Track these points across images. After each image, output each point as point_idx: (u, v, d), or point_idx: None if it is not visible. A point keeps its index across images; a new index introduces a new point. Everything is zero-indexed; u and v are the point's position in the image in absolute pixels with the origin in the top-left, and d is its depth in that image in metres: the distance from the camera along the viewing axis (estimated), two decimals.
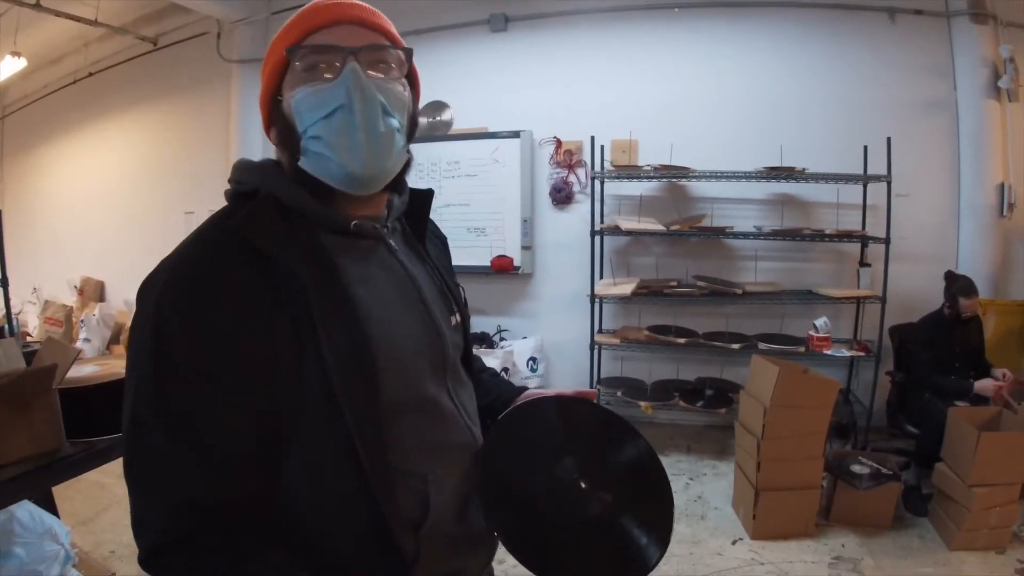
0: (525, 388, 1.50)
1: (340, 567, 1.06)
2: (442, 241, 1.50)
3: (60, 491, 3.23)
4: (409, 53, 1.19)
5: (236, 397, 0.97)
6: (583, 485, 1.21)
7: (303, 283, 1.01)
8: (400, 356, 1.11)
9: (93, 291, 8.30)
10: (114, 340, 7.65)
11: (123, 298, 7.99)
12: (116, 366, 2.44)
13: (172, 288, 0.99)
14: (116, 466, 2.29)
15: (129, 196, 8.17)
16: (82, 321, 7.58)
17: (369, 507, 1.03)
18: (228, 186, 1.19)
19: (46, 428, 2.03)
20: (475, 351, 1.60)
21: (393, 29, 1.18)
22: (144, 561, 0.97)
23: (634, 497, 1.25)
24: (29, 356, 2.25)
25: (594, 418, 1.31)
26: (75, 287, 8.40)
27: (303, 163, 1.09)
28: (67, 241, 8.68)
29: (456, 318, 1.33)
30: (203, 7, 6.71)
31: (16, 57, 7.21)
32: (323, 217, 1.12)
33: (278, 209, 1.09)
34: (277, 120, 1.15)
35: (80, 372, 2.33)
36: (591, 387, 5.63)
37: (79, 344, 7.26)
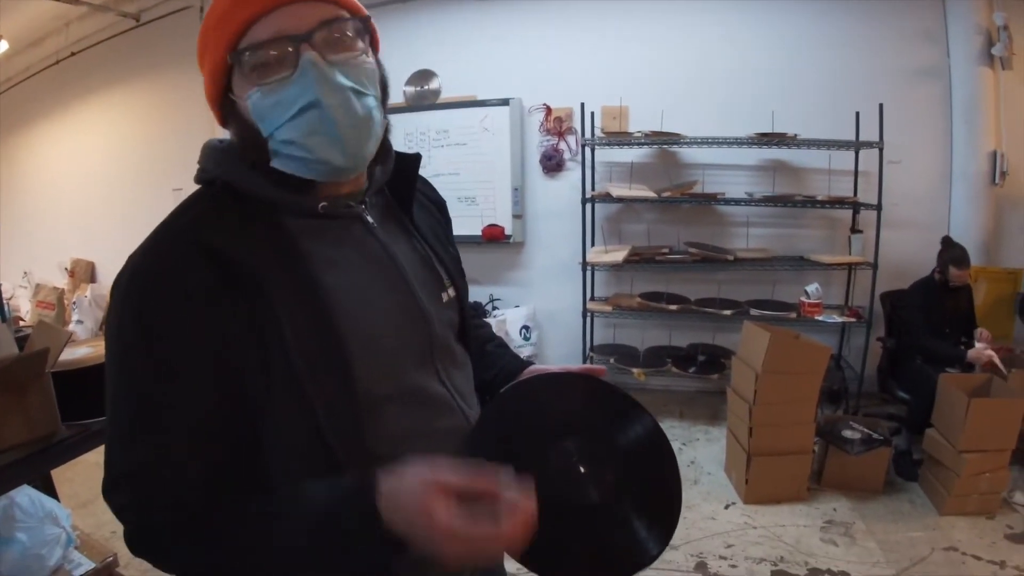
0: (531, 363, 1.46)
1: None
2: (438, 206, 1.43)
3: (59, 474, 3.23)
4: (366, 21, 1.08)
5: (205, 394, 0.96)
6: (582, 469, 1.14)
7: (263, 276, 0.98)
8: (376, 344, 1.06)
9: (84, 272, 8.27)
10: None
11: (114, 278, 7.96)
12: None
13: (133, 293, 0.99)
14: None
15: (116, 175, 8.09)
16: (74, 303, 7.59)
17: None
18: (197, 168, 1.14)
19: (41, 412, 2.04)
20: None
21: None
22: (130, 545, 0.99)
23: (638, 482, 1.17)
24: (21, 341, 2.25)
25: (595, 396, 1.21)
26: (66, 269, 8.38)
27: (276, 164, 1.04)
28: (56, 223, 8.61)
29: (448, 293, 1.27)
30: None
31: None
32: (288, 203, 1.06)
33: (237, 199, 1.06)
34: (234, 119, 1.07)
35: (73, 354, 2.32)
36: (584, 354, 5.68)
37: (72, 326, 7.30)
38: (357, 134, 1.02)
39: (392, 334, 1.10)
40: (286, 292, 0.98)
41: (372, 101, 1.05)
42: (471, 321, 1.39)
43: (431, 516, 0.83)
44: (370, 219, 1.16)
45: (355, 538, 0.90)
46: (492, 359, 1.46)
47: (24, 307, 8.35)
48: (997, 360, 4.30)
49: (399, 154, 1.23)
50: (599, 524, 1.13)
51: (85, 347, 2.46)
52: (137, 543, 0.98)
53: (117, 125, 8.08)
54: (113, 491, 0.97)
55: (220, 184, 1.07)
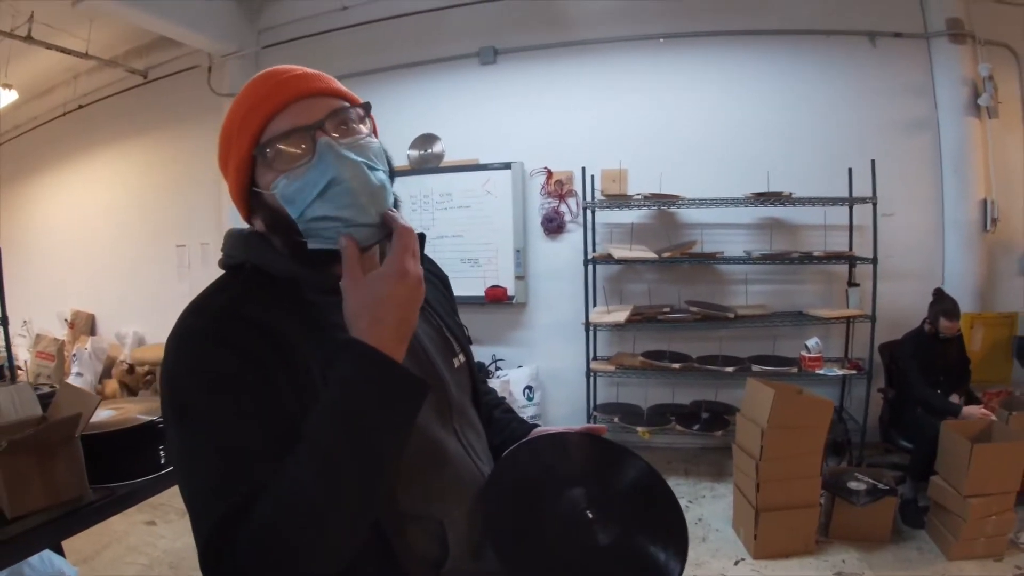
0: (537, 425, 1.53)
1: None
2: (442, 281, 1.53)
3: None
4: (367, 108, 1.20)
5: (273, 425, 1.00)
6: (590, 515, 1.24)
7: (297, 344, 1.06)
8: None
9: (84, 324, 8.30)
10: (106, 374, 7.64)
11: (114, 331, 8.01)
12: (132, 411, 2.47)
13: (184, 350, 1.05)
14: None
15: (120, 229, 8.17)
16: (74, 355, 7.56)
17: (384, 551, 1.08)
18: (221, 254, 1.23)
19: (70, 476, 2.06)
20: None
21: (342, 86, 1.20)
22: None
23: (644, 517, 1.29)
24: (43, 399, 2.26)
25: (590, 449, 1.36)
26: (66, 320, 8.40)
27: (313, 244, 1.10)
28: (57, 274, 8.66)
29: (459, 359, 1.36)
30: (193, 40, 6.76)
31: (7, 89, 7.19)
32: (311, 280, 1.15)
33: (266, 279, 1.14)
34: (260, 210, 1.17)
35: (97, 417, 2.34)
36: (588, 413, 5.70)
37: (71, 378, 7.28)
38: (376, 201, 1.10)
39: None
40: (317, 357, 1.06)
41: (383, 175, 1.14)
42: (481, 387, 1.48)
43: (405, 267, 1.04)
44: None
45: (376, 388, 0.99)
46: (500, 424, 1.54)
47: (23, 356, 8.35)
48: (993, 416, 4.37)
49: None
50: (619, 561, 1.23)
51: (107, 409, 2.49)
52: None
53: (121, 179, 8.18)
54: (224, 533, 0.93)
55: (250, 269, 1.16)
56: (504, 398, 1.70)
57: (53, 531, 2.07)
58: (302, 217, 1.09)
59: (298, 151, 1.09)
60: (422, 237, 1.28)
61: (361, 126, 1.16)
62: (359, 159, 1.09)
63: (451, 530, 1.18)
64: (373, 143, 1.16)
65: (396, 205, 1.20)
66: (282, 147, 1.10)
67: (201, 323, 1.08)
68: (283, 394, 1.02)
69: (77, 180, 8.54)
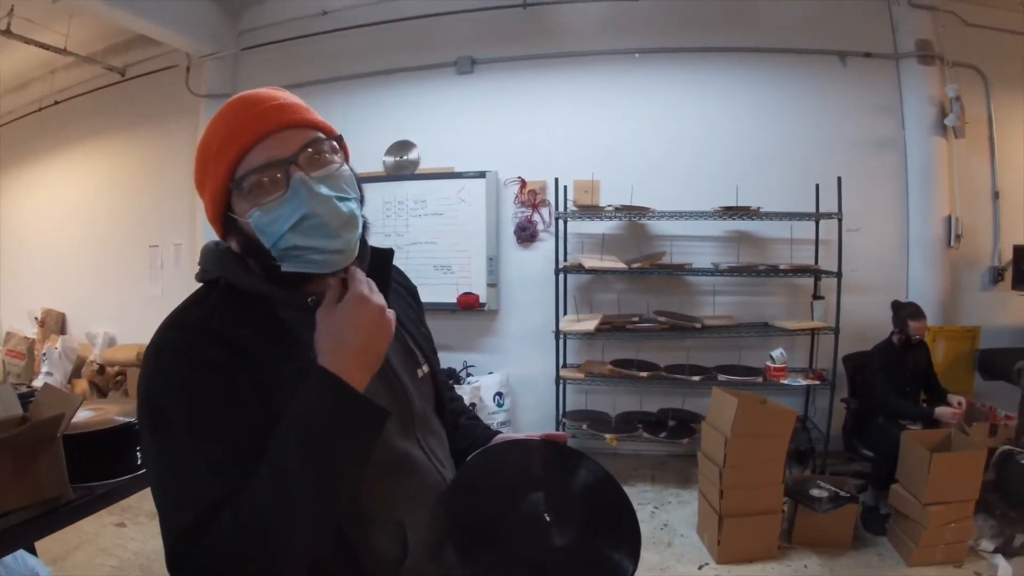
0: (500, 432, 1.59)
1: None
2: (411, 293, 1.59)
3: None
4: (339, 139, 1.26)
5: (242, 438, 1.05)
6: (547, 518, 1.30)
7: (266, 360, 1.12)
8: None
9: (54, 323, 8.20)
10: (75, 374, 7.54)
11: (85, 330, 7.92)
12: (110, 411, 2.48)
13: (162, 365, 1.11)
14: None
15: (93, 227, 8.08)
16: (44, 354, 7.48)
17: (344, 550, 1.14)
18: (199, 268, 1.28)
19: (51, 475, 2.07)
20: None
21: (317, 116, 1.24)
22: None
23: (599, 519, 1.35)
24: (23, 399, 2.28)
25: (550, 455, 1.42)
26: (36, 319, 8.28)
27: (287, 267, 1.17)
28: (28, 271, 8.58)
29: (423, 369, 1.42)
30: (172, 40, 6.73)
31: None
32: (281, 298, 1.21)
33: (238, 295, 1.20)
34: (235, 233, 1.22)
35: (76, 418, 2.34)
36: (557, 420, 5.72)
37: (41, 377, 7.21)
38: (346, 229, 1.18)
39: None
40: (286, 373, 1.12)
41: (353, 203, 1.21)
42: (447, 395, 1.56)
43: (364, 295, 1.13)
44: None
45: (334, 415, 1.06)
46: (466, 431, 1.61)
47: None
48: (962, 419, 4.51)
49: (374, 249, 1.36)
50: (575, 561, 1.29)
51: (85, 410, 2.50)
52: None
53: (95, 178, 8.08)
54: (188, 541, 0.99)
55: (223, 286, 1.22)
56: (474, 404, 1.77)
57: (34, 529, 2.08)
58: (275, 246, 1.16)
59: (272, 184, 1.15)
60: (390, 253, 1.38)
61: (334, 156, 1.22)
62: (330, 193, 1.16)
63: (412, 531, 1.23)
64: (345, 172, 1.22)
65: (365, 227, 1.28)
66: (257, 180, 1.15)
67: (177, 336, 1.13)
68: (253, 409, 1.08)
69: (51, 177, 8.42)
